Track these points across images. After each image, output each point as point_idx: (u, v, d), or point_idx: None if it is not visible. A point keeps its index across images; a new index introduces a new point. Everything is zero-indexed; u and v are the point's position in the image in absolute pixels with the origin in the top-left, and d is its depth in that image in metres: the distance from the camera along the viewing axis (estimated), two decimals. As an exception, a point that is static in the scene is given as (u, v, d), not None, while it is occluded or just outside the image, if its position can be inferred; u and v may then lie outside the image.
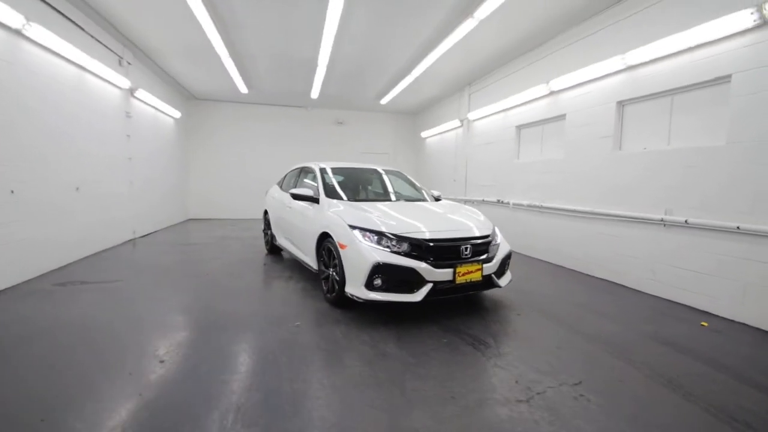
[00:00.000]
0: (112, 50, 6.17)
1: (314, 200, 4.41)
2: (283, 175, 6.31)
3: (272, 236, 6.03)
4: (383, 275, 3.23)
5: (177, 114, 9.44)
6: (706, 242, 3.86)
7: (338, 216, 3.75)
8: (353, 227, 3.49)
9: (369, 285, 3.24)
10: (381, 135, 12.51)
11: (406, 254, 3.28)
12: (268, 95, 10.27)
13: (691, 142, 4.11)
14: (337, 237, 3.57)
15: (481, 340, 3.08)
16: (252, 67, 7.79)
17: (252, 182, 11.34)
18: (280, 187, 6.11)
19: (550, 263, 6.05)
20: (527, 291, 4.42)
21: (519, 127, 7.01)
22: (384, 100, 10.13)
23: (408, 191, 5.10)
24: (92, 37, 5.58)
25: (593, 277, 5.22)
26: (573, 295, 4.42)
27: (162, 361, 2.57)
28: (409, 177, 5.49)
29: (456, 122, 9.25)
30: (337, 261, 3.57)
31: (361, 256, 3.28)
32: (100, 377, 2.36)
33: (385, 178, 5.20)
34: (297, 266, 5.50)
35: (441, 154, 10.55)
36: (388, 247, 3.31)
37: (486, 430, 1.94)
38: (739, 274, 3.59)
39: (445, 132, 10.15)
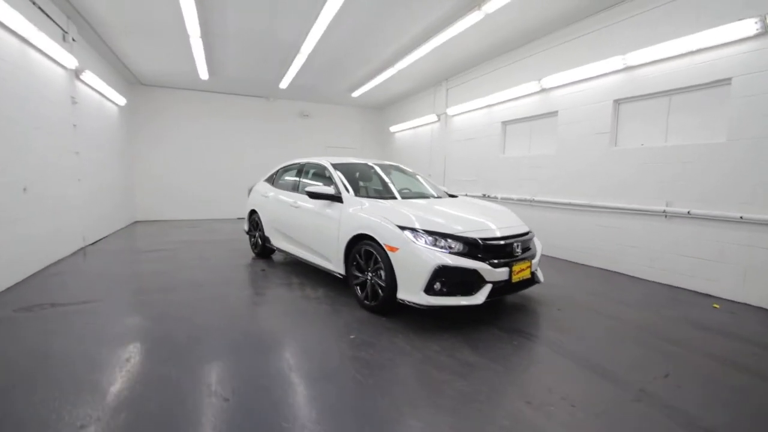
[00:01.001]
0: (56, 22, 5.11)
1: (336, 199, 4.05)
2: (274, 171, 5.75)
3: (264, 238, 5.48)
4: (443, 278, 3.04)
5: (122, 101, 8.21)
6: (707, 231, 4.23)
7: (380, 216, 3.46)
8: (403, 228, 3.24)
9: (429, 289, 3.04)
10: (347, 129, 12.09)
11: (465, 255, 3.13)
12: (229, 83, 9.35)
13: (689, 140, 4.45)
14: (384, 239, 3.29)
15: (547, 339, 3.04)
16: (222, 50, 6.97)
17: (208, 180, 10.37)
18: (272, 184, 5.57)
19: (544, 255, 6.26)
20: (544, 284, 4.47)
21: (505, 123, 7.15)
22: (356, 93, 9.77)
23: (419, 188, 4.91)
24: (34, 3, 4.56)
25: (590, 266, 5.51)
26: (584, 285, 4.60)
27: (227, 400, 2.14)
28: (412, 172, 5.31)
29: (432, 117, 9.22)
30: (382, 265, 3.29)
31: (418, 259, 3.06)
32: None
33: (392, 174, 4.94)
34: (301, 270, 5.06)
35: (413, 149, 10.49)
36: (444, 248, 3.13)
37: (630, 438, 1.88)
38: (740, 259, 3.98)
39: (418, 127, 10.09)
